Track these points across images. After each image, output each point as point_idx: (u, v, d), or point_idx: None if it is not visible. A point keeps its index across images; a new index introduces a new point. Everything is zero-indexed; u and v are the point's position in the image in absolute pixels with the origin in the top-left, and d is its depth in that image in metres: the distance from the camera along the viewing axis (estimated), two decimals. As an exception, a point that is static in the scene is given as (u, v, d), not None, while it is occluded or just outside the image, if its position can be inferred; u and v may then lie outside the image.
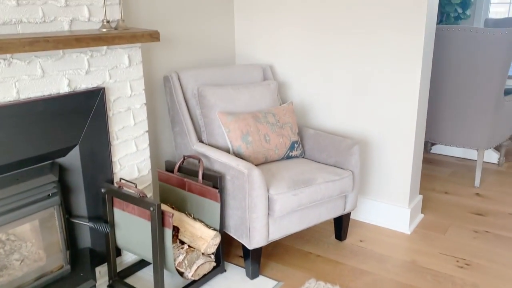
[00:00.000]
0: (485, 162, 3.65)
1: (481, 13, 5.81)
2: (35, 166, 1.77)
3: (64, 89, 1.79)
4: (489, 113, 2.99)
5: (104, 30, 1.83)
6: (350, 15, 2.44)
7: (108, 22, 1.86)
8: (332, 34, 2.53)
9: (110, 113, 1.98)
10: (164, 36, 2.45)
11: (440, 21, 5.50)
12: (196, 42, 2.63)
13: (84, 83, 1.86)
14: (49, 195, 1.73)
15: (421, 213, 2.78)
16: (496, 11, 5.75)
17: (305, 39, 2.63)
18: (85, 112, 1.87)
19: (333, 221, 2.54)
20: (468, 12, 5.55)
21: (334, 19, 2.50)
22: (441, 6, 5.18)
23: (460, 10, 5.35)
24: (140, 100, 2.11)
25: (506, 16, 5.65)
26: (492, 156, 3.64)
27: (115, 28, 1.90)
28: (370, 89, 2.48)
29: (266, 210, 1.98)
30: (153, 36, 1.96)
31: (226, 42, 2.84)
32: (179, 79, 2.39)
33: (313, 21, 2.58)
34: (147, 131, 2.18)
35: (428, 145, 3.88)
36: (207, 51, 2.72)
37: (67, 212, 1.94)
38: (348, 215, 2.44)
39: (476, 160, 3.68)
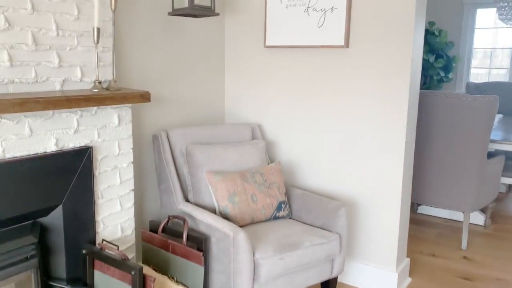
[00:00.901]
0: (472, 224, 3.66)
1: (462, 76, 6.05)
2: (15, 226, 1.73)
3: (51, 148, 1.79)
4: (474, 175, 3.03)
5: (96, 90, 1.86)
6: (336, 80, 2.53)
7: (99, 82, 1.89)
8: (320, 97, 2.60)
9: (96, 172, 1.97)
10: (155, 95, 2.49)
11: (423, 84, 5.70)
12: (186, 101, 2.68)
13: (72, 142, 1.86)
14: (27, 257, 1.68)
15: (409, 276, 2.74)
16: (477, 73, 5.99)
17: (293, 99, 2.70)
18: (71, 171, 1.85)
19: (320, 285, 2.48)
20: (450, 76, 5.78)
21: (322, 83, 2.58)
22: (424, 69, 5.39)
23: (442, 74, 5.57)
24: (128, 159, 2.11)
25: (487, 79, 5.89)
26: (478, 218, 3.65)
27: (107, 89, 1.93)
28: (357, 150, 2.51)
29: (251, 275, 1.94)
30: (144, 97, 1.99)
31: (216, 101, 2.90)
32: (168, 137, 2.40)
33: (301, 83, 2.66)
34: (132, 190, 2.16)
35: (414, 205, 3.89)
36: (197, 110, 2.76)
37: (46, 274, 1.87)
38: (336, 279, 2.39)
39: (462, 222, 3.69)
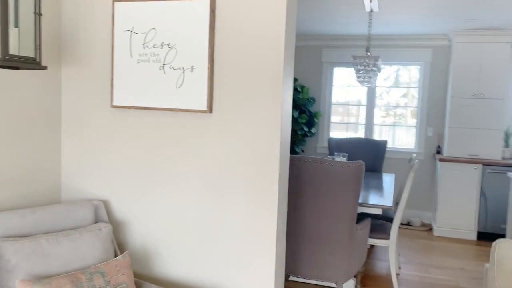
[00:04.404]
0: (343, 288, 3.53)
1: (323, 131, 6.26)
2: None
3: None
4: (345, 244, 2.88)
5: None
6: (199, 148, 2.16)
7: None
8: (180, 167, 2.19)
9: None
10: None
11: (289, 138, 5.70)
12: (5, 178, 2.03)
13: None
14: None
15: None
16: (337, 127, 6.26)
17: (147, 169, 2.24)
18: None
19: None
20: (313, 130, 5.91)
21: (182, 152, 2.19)
22: (289, 124, 5.39)
23: (306, 129, 5.65)
24: None
25: (345, 133, 6.17)
26: (349, 283, 3.54)
27: None
28: (223, 234, 2.14)
29: None
30: None
31: (48, 173, 2.28)
32: (-34, 231, 1.73)
33: (157, 151, 2.22)
34: None
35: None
36: (19, 188, 2.11)
37: None
38: None
39: (333, 286, 3.55)
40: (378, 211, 3.22)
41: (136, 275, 2.25)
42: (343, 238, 2.87)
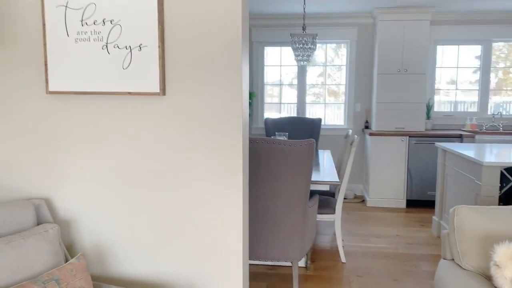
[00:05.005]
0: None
1: (258, 111, 6.23)
2: None
3: None
4: (300, 222, 2.89)
5: None
6: (153, 135, 1.99)
7: None
8: (132, 156, 2.01)
9: None
10: None
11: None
12: None
13: None
14: None
15: None
16: (271, 108, 6.26)
17: (95, 160, 2.02)
18: None
19: None
20: (249, 111, 5.83)
21: (133, 139, 2.00)
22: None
23: (242, 110, 5.56)
24: None
25: (279, 113, 6.20)
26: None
27: None
28: (184, 223, 2.01)
29: None
30: None
31: (-27, 172, 1.98)
32: None
33: (105, 140, 2.02)
34: None
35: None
36: None
37: None
38: None
39: (286, 266, 3.56)
40: (326, 187, 3.27)
41: (92, 278, 2.05)
42: (297, 216, 2.87)
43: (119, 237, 2.05)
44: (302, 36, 3.68)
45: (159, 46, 1.90)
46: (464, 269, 1.88)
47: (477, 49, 5.82)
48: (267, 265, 3.59)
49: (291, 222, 2.87)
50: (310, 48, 3.68)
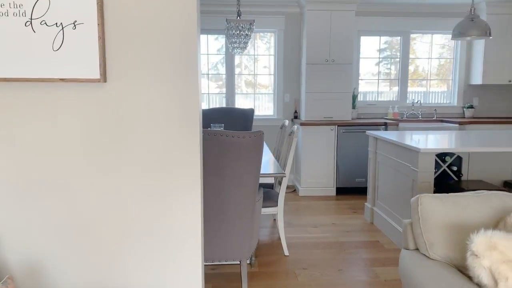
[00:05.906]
0: (238, 264, 3.40)
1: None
2: None
3: None
4: (248, 218, 2.72)
5: None
6: (91, 130, 1.69)
7: None
8: (64, 160, 1.69)
9: None
10: None
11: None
12: None
13: None
14: None
15: None
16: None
17: (18, 168, 1.67)
18: None
19: None
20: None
21: (67, 135, 1.68)
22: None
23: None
24: None
25: (207, 104, 5.97)
26: (242, 257, 3.42)
27: None
28: (135, 228, 1.74)
29: None
30: None
31: None
32: None
33: (30, 137, 1.67)
34: None
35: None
36: None
37: None
38: None
39: (230, 265, 3.40)
40: (271, 180, 3.14)
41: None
42: (246, 212, 2.70)
43: (55, 252, 1.73)
44: (238, 21, 3.49)
45: (98, 24, 1.60)
46: (432, 259, 1.85)
47: (397, 40, 6.07)
48: (210, 264, 3.39)
49: (240, 218, 2.70)
50: (246, 35, 3.51)
